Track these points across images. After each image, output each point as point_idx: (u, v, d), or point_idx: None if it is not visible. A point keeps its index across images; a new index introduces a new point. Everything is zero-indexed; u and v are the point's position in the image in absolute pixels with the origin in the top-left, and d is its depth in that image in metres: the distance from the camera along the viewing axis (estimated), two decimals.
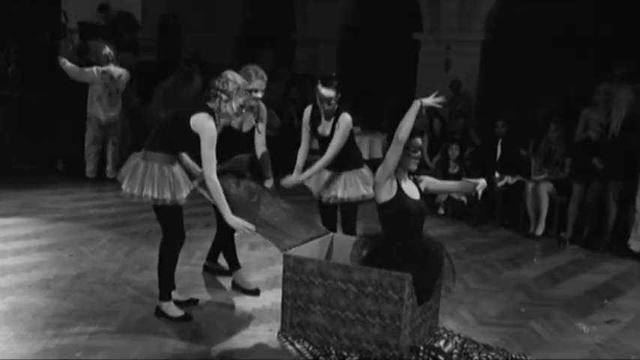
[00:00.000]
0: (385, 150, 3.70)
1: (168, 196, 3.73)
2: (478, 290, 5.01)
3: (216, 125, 3.75)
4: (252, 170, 4.46)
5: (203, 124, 3.66)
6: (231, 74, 3.82)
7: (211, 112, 3.74)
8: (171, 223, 3.88)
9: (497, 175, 7.30)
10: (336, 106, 4.40)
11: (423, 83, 10.17)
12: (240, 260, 4.74)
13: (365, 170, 4.57)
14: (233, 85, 3.75)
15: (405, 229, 3.71)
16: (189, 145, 3.78)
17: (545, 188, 6.82)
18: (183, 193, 3.80)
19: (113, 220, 6.34)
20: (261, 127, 4.45)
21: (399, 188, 3.71)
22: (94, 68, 7.92)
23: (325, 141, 4.47)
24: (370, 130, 9.36)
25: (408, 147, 3.64)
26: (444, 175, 7.82)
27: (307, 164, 4.62)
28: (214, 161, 3.75)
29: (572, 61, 9.15)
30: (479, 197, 3.87)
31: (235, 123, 4.33)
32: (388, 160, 3.61)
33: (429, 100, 3.69)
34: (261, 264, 5.23)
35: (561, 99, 8.21)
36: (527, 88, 9.28)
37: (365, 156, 8.73)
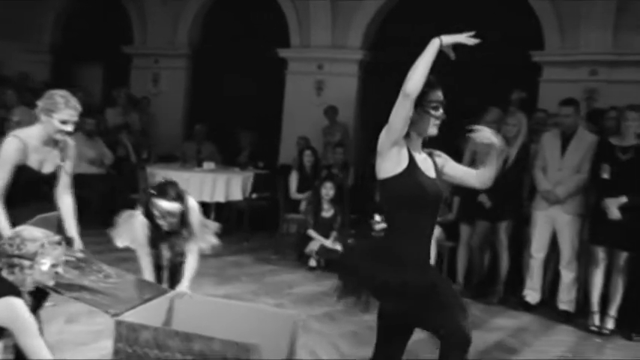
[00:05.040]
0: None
1: None
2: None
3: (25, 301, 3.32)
4: (61, 230, 4.29)
5: (15, 316, 3.21)
6: (26, 231, 3.41)
7: (15, 290, 3.28)
8: None
9: (376, 217, 7.50)
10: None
11: (292, 108, 10.51)
12: (54, 338, 4.51)
13: None
14: (33, 244, 3.33)
15: (417, 214, 3.33)
16: None
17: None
18: None
19: None
20: (68, 166, 4.42)
21: (412, 160, 3.35)
22: None
23: None
24: (226, 166, 9.33)
25: (424, 101, 3.31)
26: (317, 220, 8.09)
27: None
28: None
29: (462, 84, 9.76)
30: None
31: (34, 161, 4.17)
32: (394, 120, 3.23)
33: (454, 38, 3.27)
34: (83, 341, 4.96)
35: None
36: None
37: (221, 198, 8.55)
